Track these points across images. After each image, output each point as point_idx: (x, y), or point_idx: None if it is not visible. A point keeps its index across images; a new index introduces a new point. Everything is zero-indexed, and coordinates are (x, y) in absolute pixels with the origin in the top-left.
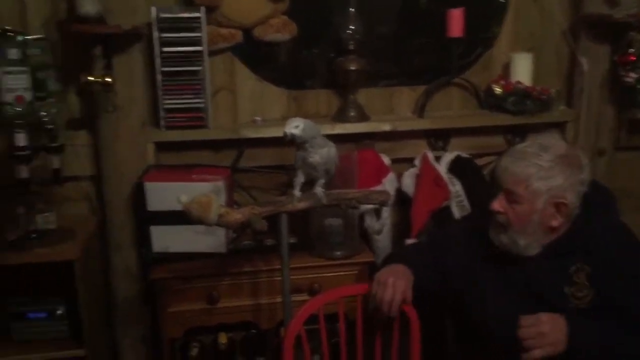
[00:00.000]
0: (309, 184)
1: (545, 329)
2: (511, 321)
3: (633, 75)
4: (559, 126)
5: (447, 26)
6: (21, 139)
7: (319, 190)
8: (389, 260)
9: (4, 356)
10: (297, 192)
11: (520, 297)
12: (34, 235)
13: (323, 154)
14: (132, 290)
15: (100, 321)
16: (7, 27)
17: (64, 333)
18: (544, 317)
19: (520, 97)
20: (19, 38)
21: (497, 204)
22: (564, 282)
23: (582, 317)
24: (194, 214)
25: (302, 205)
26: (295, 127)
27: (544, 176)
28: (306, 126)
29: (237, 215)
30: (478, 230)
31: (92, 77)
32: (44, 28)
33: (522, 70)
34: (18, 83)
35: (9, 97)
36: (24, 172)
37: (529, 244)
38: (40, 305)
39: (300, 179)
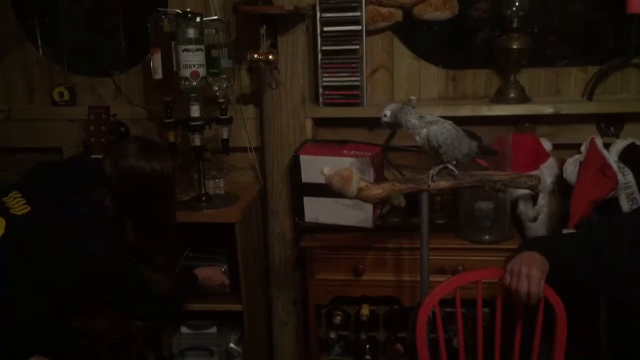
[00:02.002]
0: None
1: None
2: None
3: None
4: None
5: (626, 1)
6: (195, 111)
7: (454, 168)
8: (521, 247)
9: None
10: (432, 170)
11: None
12: (204, 198)
13: (422, 135)
14: (286, 255)
15: (258, 281)
16: (187, 9)
17: (226, 288)
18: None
19: None
20: (197, 19)
21: None
22: None
23: None
24: (334, 185)
25: (443, 184)
26: (384, 116)
27: None
28: (393, 111)
29: (377, 190)
30: None
31: (258, 55)
32: (221, 10)
33: None
34: (194, 60)
35: (186, 72)
36: (197, 140)
37: None
38: (207, 261)
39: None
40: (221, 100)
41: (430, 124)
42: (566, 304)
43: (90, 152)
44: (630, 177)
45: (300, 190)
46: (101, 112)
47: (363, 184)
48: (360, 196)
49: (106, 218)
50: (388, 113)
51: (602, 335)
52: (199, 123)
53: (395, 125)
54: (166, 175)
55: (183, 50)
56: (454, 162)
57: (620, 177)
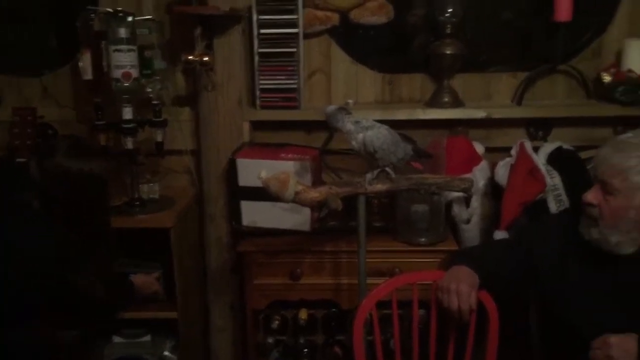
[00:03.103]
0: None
1: (614, 354)
2: (596, 321)
3: None
4: None
5: (554, 9)
6: (127, 113)
7: (390, 172)
8: (450, 261)
9: None
10: (369, 174)
11: (609, 297)
12: (137, 203)
13: (359, 140)
14: (223, 260)
15: (194, 287)
16: (119, 9)
17: (160, 295)
18: (613, 339)
19: (631, 87)
20: (129, 19)
21: (591, 196)
22: None
23: None
24: (271, 189)
25: (379, 187)
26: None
27: None
28: (327, 114)
29: (314, 194)
30: (572, 226)
31: (193, 56)
32: (155, 10)
33: (636, 58)
34: (126, 60)
35: (117, 73)
36: (129, 143)
37: (622, 241)
38: (140, 268)
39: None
40: (155, 102)
41: (366, 129)
42: (499, 306)
43: (14, 155)
44: (557, 179)
45: (237, 194)
46: (26, 113)
47: (300, 187)
48: (297, 200)
49: (34, 221)
50: (325, 113)
51: (534, 336)
52: (131, 126)
53: (332, 129)
54: (97, 177)
55: (114, 51)
56: (391, 166)
57: (548, 179)
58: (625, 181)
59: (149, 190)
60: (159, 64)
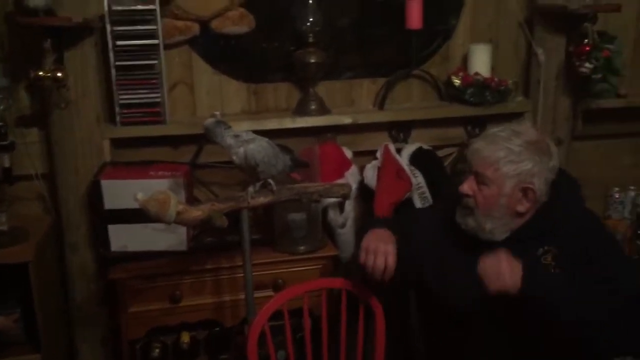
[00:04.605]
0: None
1: (503, 269)
2: (474, 300)
3: (588, 65)
4: (517, 117)
5: (406, 18)
6: None
7: (273, 184)
8: (366, 226)
9: None
10: (251, 188)
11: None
12: None
13: (240, 154)
14: (89, 291)
15: (58, 324)
16: None
17: (19, 337)
18: (503, 255)
19: (479, 89)
20: None
21: (467, 187)
22: None
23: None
24: (151, 211)
25: (262, 200)
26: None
27: (514, 160)
28: (206, 127)
29: (196, 213)
30: (443, 216)
31: (42, 71)
32: None
33: (481, 62)
34: None
35: None
36: None
37: (495, 228)
38: None
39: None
40: None
41: (247, 142)
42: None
43: None
44: (420, 178)
45: (103, 218)
46: None
47: (181, 207)
48: (179, 220)
49: None
50: (205, 127)
51: (413, 322)
52: None
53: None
54: None
55: None
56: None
57: (412, 179)
58: (497, 171)
59: None
60: (1, 81)
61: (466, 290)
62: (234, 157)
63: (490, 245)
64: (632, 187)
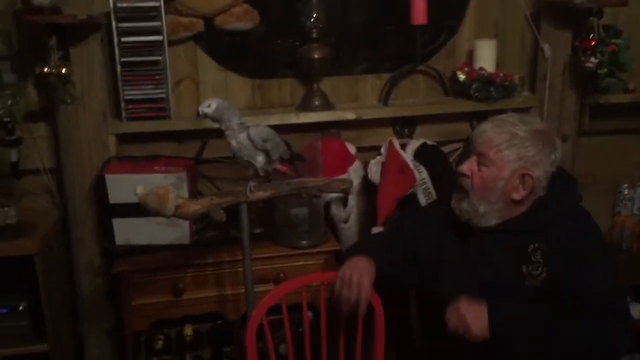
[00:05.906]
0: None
1: (465, 313)
2: (464, 292)
3: (594, 60)
4: (523, 112)
5: (410, 13)
6: None
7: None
8: (350, 252)
9: None
10: (251, 182)
11: (477, 269)
12: None
13: (239, 139)
14: (96, 284)
15: (64, 316)
16: None
17: (26, 329)
18: (464, 303)
19: (484, 84)
20: None
21: (466, 167)
22: (522, 260)
23: (511, 302)
24: (150, 205)
25: (261, 194)
26: (207, 106)
27: (517, 144)
28: (219, 106)
29: (195, 207)
30: (445, 212)
31: (47, 68)
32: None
33: (486, 57)
34: None
35: None
36: None
37: (488, 212)
38: (2, 301)
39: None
40: (6, 120)
41: (248, 128)
42: (386, 296)
43: None
44: (424, 173)
45: (108, 212)
46: None
47: (180, 201)
48: (178, 214)
49: None
50: (213, 105)
51: (414, 323)
52: None
53: (213, 120)
54: None
55: None
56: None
57: (417, 174)
58: (499, 153)
59: (5, 215)
60: (8, 77)
61: (456, 283)
62: (233, 142)
63: (483, 233)
64: None
